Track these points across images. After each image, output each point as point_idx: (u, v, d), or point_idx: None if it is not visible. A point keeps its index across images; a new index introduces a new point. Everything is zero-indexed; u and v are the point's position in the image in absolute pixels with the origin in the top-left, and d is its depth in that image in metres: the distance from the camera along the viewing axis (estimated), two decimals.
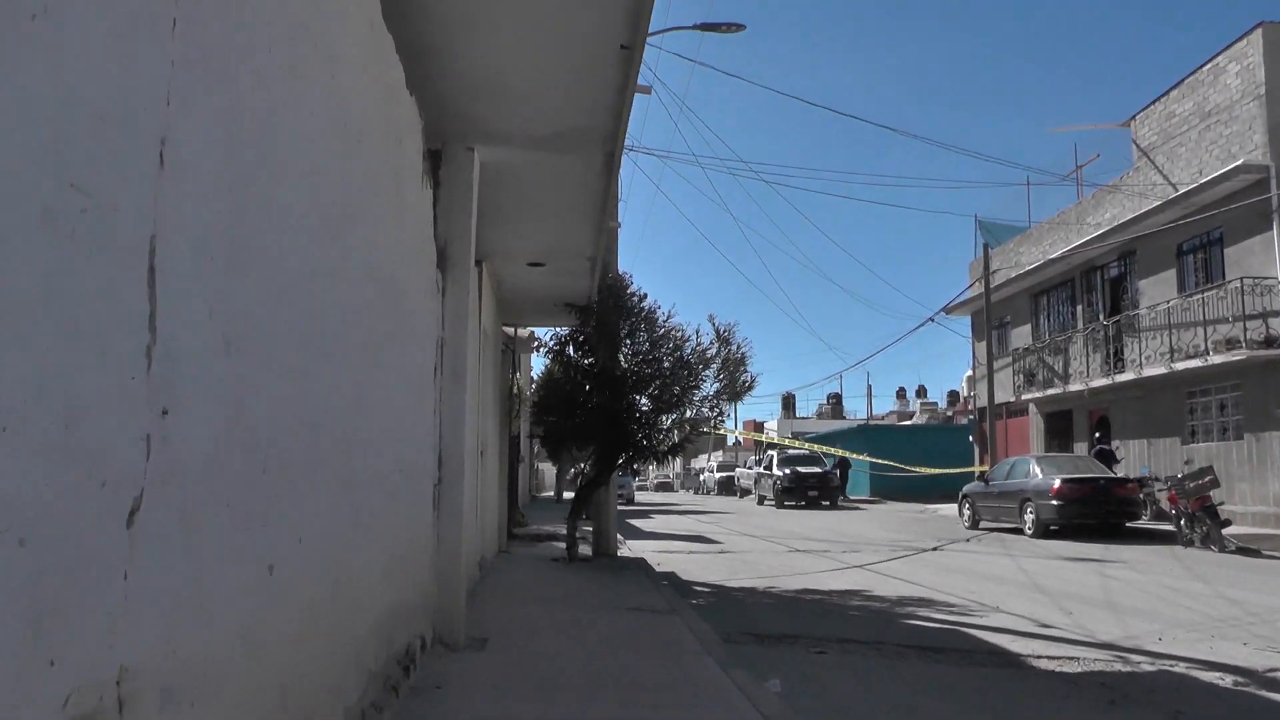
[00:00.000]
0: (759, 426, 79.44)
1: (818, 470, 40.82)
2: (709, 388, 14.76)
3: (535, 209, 9.54)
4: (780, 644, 9.22)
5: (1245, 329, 22.69)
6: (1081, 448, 29.74)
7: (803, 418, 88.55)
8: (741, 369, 14.71)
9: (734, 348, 14.74)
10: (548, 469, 60.44)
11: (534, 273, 12.15)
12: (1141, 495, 23.31)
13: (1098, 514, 22.37)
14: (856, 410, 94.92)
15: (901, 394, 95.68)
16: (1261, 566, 16.72)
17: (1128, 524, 23.01)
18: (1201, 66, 25.48)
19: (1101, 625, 10.44)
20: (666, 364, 14.32)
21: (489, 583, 11.47)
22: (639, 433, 14.49)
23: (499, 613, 9.34)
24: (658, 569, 15.21)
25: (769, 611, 11.43)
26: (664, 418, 14.71)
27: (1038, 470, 23.73)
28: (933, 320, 38.48)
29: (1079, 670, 8.27)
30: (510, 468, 18.49)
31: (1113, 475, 23.89)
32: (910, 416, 78.86)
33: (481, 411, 12.43)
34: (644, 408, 14.54)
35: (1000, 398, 34.51)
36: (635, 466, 15.42)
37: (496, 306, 14.10)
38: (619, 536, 17.12)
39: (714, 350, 14.67)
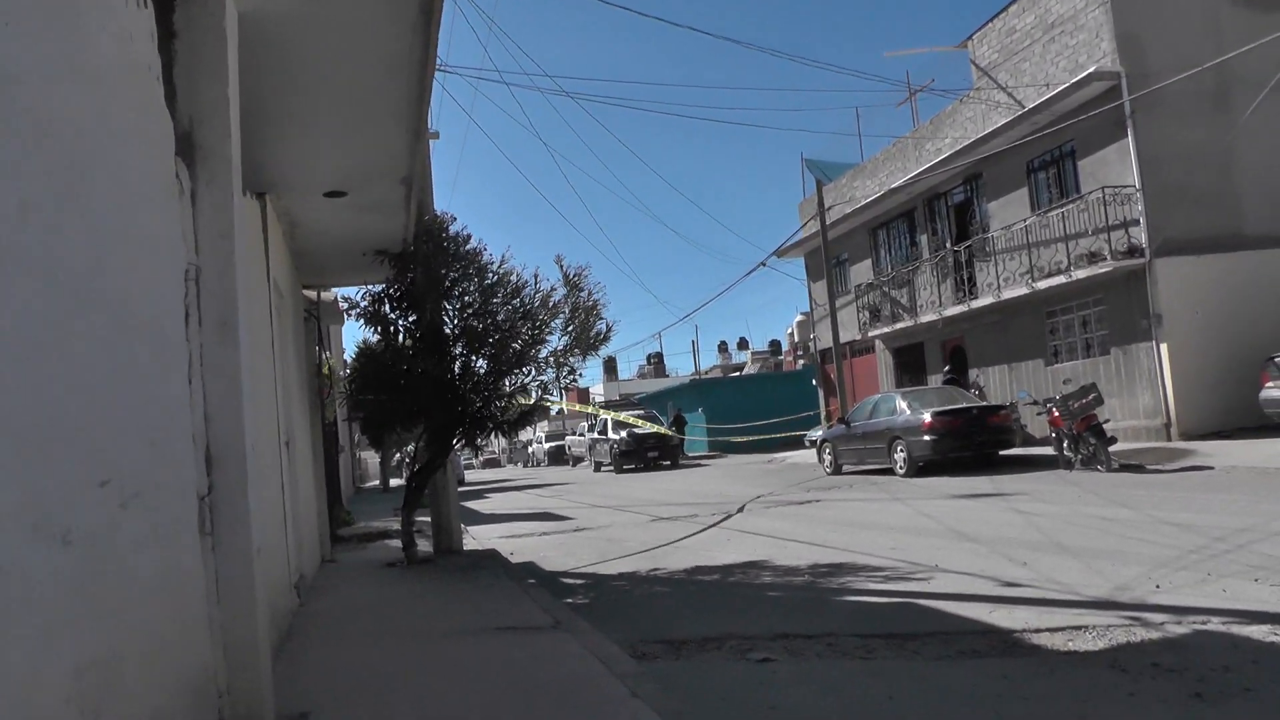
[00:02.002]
0: (583, 393, 77.19)
1: (657, 430, 38.92)
2: (557, 341, 12.40)
3: (328, 102, 6.95)
4: (705, 651, 7.01)
5: (1110, 240, 21.40)
6: (935, 381, 28.39)
7: (625, 379, 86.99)
8: (594, 317, 12.38)
9: (585, 294, 12.40)
10: (372, 456, 56.97)
11: (335, 209, 9.52)
12: (1012, 421, 21.98)
13: (972, 445, 20.95)
14: (678, 369, 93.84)
15: (724, 347, 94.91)
16: (1161, 482, 15.51)
17: (1000, 452, 21.67)
18: None
19: (1072, 575, 8.60)
20: (503, 316, 11.90)
21: (311, 611, 8.90)
22: (477, 401, 12.04)
23: (326, 660, 6.82)
24: (513, 559, 12.91)
25: (669, 604, 9.20)
26: (505, 381, 12.24)
27: (905, 406, 22.15)
28: (764, 265, 36.66)
29: (1103, 646, 6.30)
30: (328, 459, 15.82)
31: (985, 404, 22.50)
32: (737, 369, 77.87)
33: (284, 392, 9.83)
34: (481, 370, 12.09)
35: (844, 337, 32.98)
36: (479, 442, 12.85)
37: (292, 261, 11.41)
38: (462, 525, 14.65)
39: (561, 297, 12.32)
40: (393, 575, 11.21)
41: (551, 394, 12.71)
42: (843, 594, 8.82)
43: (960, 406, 21.54)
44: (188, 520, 4.24)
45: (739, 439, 41.48)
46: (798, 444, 39.22)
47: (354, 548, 15.15)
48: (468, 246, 11.71)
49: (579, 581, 10.88)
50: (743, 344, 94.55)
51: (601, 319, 12.33)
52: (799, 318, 53.02)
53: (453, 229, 11.71)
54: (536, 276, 12.20)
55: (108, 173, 3.48)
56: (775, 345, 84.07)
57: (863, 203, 31.86)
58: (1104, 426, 18.18)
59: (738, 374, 67.44)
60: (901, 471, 21.35)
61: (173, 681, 3.70)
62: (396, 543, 13.18)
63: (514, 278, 12.00)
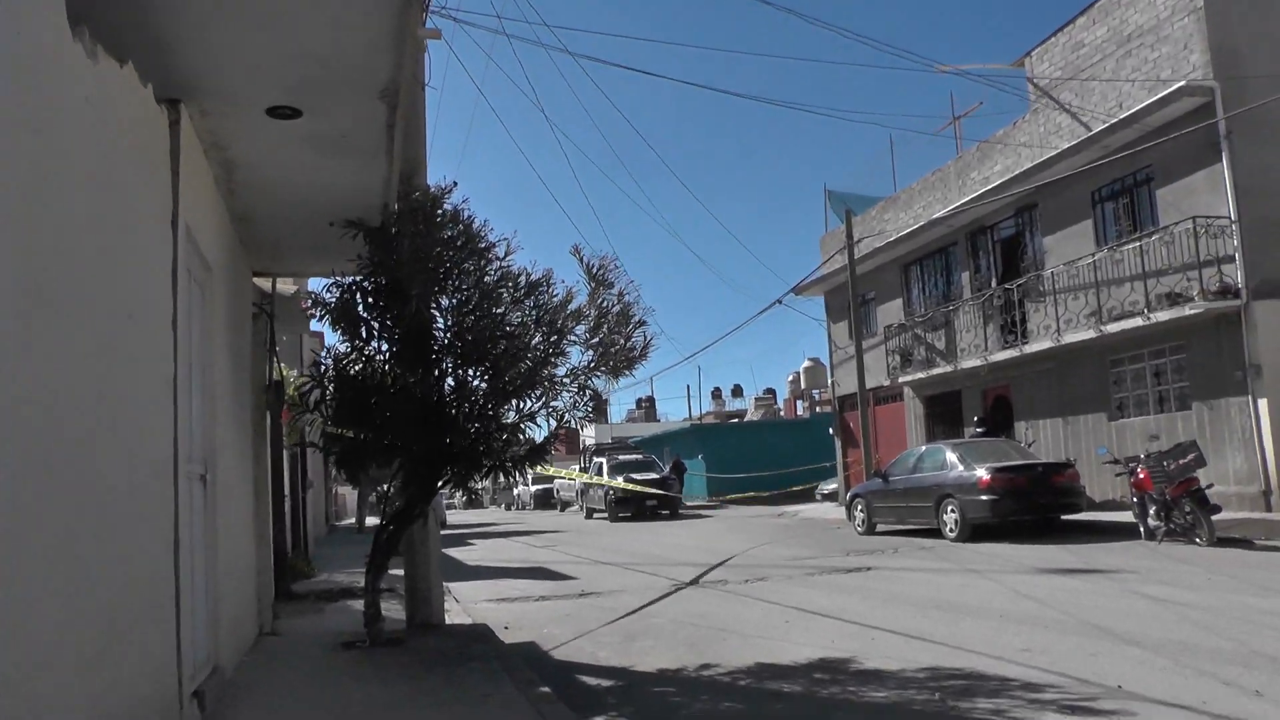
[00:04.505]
0: (572, 434, 73.92)
1: (655, 477, 35.95)
2: (579, 356, 9.47)
3: None
4: None
5: (1202, 278, 18.57)
6: (966, 434, 25.50)
7: (614, 423, 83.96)
8: (629, 324, 9.45)
9: (615, 293, 9.51)
10: (351, 491, 53.34)
11: (287, 141, 6.62)
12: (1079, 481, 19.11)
13: (1035, 508, 18.16)
14: (668, 414, 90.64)
15: (718, 394, 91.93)
16: None
17: (1062, 517, 18.84)
18: None
19: None
20: (513, 320, 8.99)
21: None
22: (471, 431, 9.06)
23: None
24: (508, 635, 10.04)
25: None
26: (510, 405, 9.25)
27: (956, 460, 19.25)
28: (780, 302, 33.65)
29: None
30: (278, 498, 12.87)
31: (1048, 461, 19.66)
32: (732, 417, 74.94)
33: (201, 404, 6.93)
34: (479, 390, 9.14)
35: (867, 383, 30.04)
36: (474, 485, 9.81)
37: (233, 228, 8.44)
38: (444, 584, 11.65)
39: (583, 299, 9.42)
40: (349, 665, 8.18)
41: (568, 424, 9.71)
42: None
43: (1022, 463, 18.72)
44: None
45: (741, 490, 38.59)
46: (807, 497, 36.51)
47: (309, 610, 12.17)
48: (470, 228, 8.81)
49: (605, 683, 7.93)
50: (737, 391, 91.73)
51: (643, 325, 9.42)
52: (806, 363, 50.18)
53: (450, 201, 8.81)
54: (549, 276, 9.28)
55: None
56: (770, 393, 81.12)
57: (895, 236, 29.05)
58: (1206, 492, 15.39)
59: (737, 420, 64.50)
60: (952, 535, 18.47)
61: None
62: (362, 605, 10.18)
63: (525, 275, 9.13)
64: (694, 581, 14.42)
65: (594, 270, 9.44)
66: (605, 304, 9.48)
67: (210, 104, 6.01)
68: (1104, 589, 11.42)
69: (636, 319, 9.38)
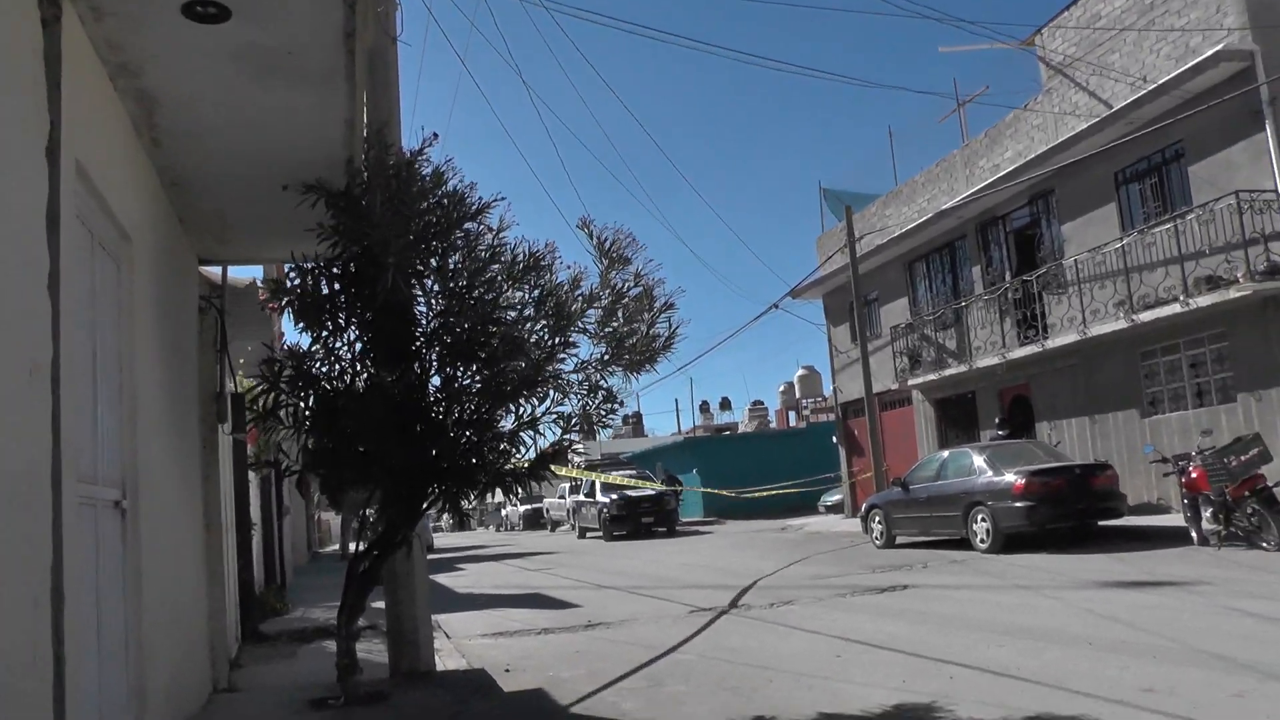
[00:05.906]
0: (558, 452, 71.91)
1: (651, 493, 34.30)
2: (590, 350, 7.91)
3: None
4: None
5: (1248, 257, 17.09)
6: (986, 437, 24.01)
7: (602, 440, 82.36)
8: (650, 308, 7.90)
9: (631, 273, 7.96)
10: (336, 516, 51.26)
11: (215, 57, 4.93)
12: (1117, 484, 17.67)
13: (1073, 514, 16.70)
14: (654, 429, 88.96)
15: (706, 407, 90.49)
16: None
17: (1099, 523, 17.43)
18: None
19: None
20: (514, 302, 7.44)
21: None
22: (463, 440, 7.49)
23: None
24: (509, 680, 8.52)
25: None
26: (507, 409, 7.66)
27: (985, 464, 17.74)
28: (777, 306, 32.21)
29: None
30: (244, 527, 11.30)
31: (1085, 463, 18.17)
32: (721, 430, 73.47)
33: (110, 409, 5.39)
34: (471, 391, 7.55)
35: (873, 388, 28.58)
36: (469, 507, 8.10)
37: (157, 178, 6.72)
38: (432, 619, 10.06)
39: (594, 281, 7.87)
40: None
41: (578, 430, 8.10)
42: None
43: (1057, 465, 17.23)
44: None
45: (739, 504, 36.95)
46: (809, 509, 35.06)
47: (278, 654, 10.62)
48: (459, 192, 7.23)
49: None
50: (725, 404, 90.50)
51: (670, 309, 7.87)
52: (801, 371, 48.78)
53: (431, 159, 7.23)
54: (553, 249, 7.71)
55: None
56: (760, 404, 79.81)
57: (898, 232, 27.57)
58: (1274, 490, 13.92)
59: (729, 433, 62.96)
60: (984, 546, 16.96)
61: None
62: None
63: (522, 247, 7.57)
64: (706, 607, 12.87)
65: (606, 245, 7.90)
66: (621, 286, 7.94)
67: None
68: (1190, 605, 9.93)
69: (662, 302, 7.82)
